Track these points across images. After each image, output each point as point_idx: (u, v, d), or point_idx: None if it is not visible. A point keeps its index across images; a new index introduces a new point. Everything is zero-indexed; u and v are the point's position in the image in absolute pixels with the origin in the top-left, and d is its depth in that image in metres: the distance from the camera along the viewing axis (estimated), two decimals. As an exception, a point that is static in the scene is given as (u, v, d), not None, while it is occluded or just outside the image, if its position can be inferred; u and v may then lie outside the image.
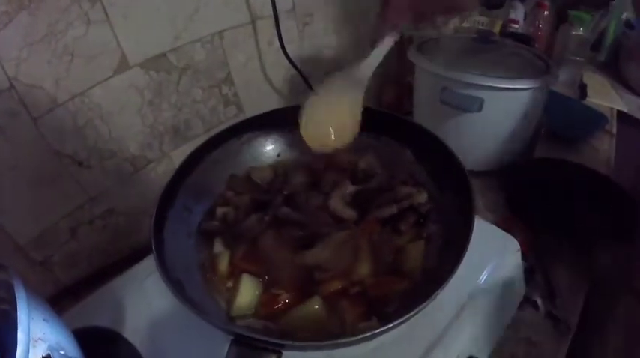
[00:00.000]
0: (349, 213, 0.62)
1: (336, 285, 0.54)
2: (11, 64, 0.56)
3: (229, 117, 0.90)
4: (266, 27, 0.86)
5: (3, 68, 0.56)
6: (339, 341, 0.44)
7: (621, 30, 1.53)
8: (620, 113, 1.34)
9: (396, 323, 0.43)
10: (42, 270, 0.70)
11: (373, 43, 0.62)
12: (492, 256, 0.63)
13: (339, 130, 0.58)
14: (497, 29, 1.45)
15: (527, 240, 0.76)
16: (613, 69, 1.55)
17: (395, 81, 1.18)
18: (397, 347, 0.54)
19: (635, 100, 1.42)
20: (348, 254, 0.56)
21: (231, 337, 0.44)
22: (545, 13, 1.45)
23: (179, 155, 0.82)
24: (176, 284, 0.49)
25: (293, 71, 0.92)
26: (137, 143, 0.76)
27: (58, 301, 0.71)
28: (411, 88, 1.03)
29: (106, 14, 0.64)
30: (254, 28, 0.86)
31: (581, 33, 1.39)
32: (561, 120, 1.10)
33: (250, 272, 0.56)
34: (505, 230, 0.69)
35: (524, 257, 0.69)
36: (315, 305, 0.52)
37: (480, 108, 0.84)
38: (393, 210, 0.61)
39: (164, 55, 0.74)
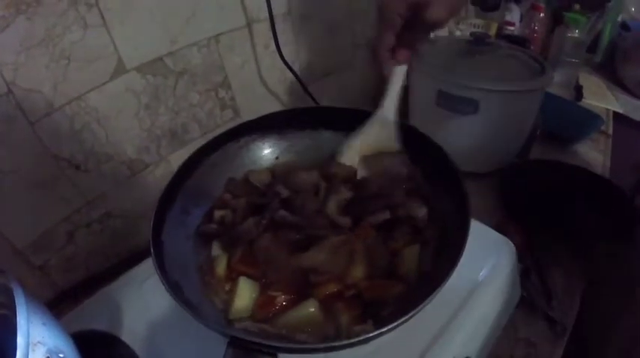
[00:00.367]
0: (343, 221, 0.62)
1: (332, 288, 0.54)
2: (8, 68, 0.56)
3: (226, 121, 0.90)
4: (262, 30, 0.87)
5: (0, 73, 0.56)
6: (334, 344, 0.44)
7: (617, 32, 1.54)
8: (616, 114, 1.35)
9: (391, 326, 0.43)
10: (40, 274, 0.70)
11: (384, 79, 0.66)
12: (489, 258, 0.64)
13: None
14: (493, 31, 1.46)
15: (523, 241, 0.76)
16: (609, 70, 1.56)
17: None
18: (394, 348, 0.54)
19: (630, 101, 1.43)
20: (343, 257, 0.57)
21: (228, 339, 0.44)
22: (541, 15, 1.46)
23: (176, 159, 0.82)
24: (174, 287, 0.49)
25: (289, 74, 0.92)
26: (134, 147, 0.77)
27: (56, 305, 0.71)
28: (405, 90, 1.03)
29: (103, 18, 0.64)
30: (250, 32, 0.86)
31: (576, 35, 1.40)
32: (557, 122, 1.11)
33: (248, 275, 0.56)
34: (501, 232, 0.70)
35: (520, 258, 0.69)
36: (311, 307, 0.52)
37: (475, 111, 0.84)
38: (386, 215, 0.61)
39: (161, 59, 0.74)
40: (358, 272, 0.56)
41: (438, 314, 0.57)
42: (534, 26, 1.47)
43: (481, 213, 0.73)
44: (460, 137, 0.90)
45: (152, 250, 0.52)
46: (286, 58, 0.89)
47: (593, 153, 1.13)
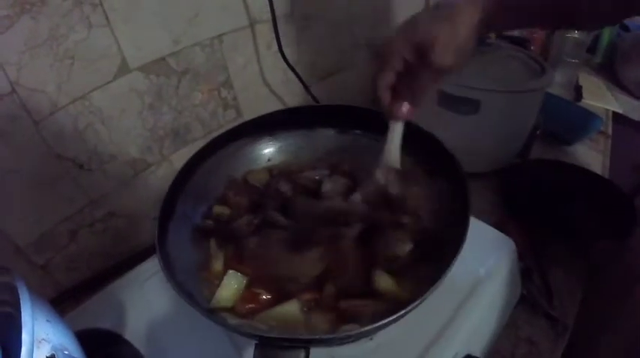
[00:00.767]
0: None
1: (308, 297, 0.54)
2: (12, 68, 0.57)
3: (228, 121, 0.90)
4: (265, 31, 0.87)
5: (5, 72, 0.56)
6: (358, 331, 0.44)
7: (616, 32, 1.55)
8: (615, 114, 1.36)
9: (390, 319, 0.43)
10: (43, 274, 0.70)
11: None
12: (489, 256, 0.64)
13: None
14: (493, 32, 1.46)
15: (524, 240, 0.77)
16: (608, 71, 1.56)
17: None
18: (396, 345, 0.54)
19: (630, 102, 1.44)
20: (317, 269, 0.57)
21: (256, 340, 0.44)
22: (541, 15, 1.46)
23: (179, 158, 0.82)
24: (186, 293, 0.48)
25: (291, 74, 0.93)
26: (137, 146, 0.77)
27: (59, 304, 0.71)
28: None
29: (107, 18, 0.64)
30: (253, 32, 0.86)
31: (576, 35, 1.40)
32: (557, 122, 1.11)
33: (239, 271, 0.57)
34: (502, 231, 0.70)
35: (521, 257, 0.70)
36: (293, 307, 0.53)
37: (476, 111, 0.85)
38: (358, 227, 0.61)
39: (164, 59, 0.74)
40: (330, 288, 0.55)
41: (439, 312, 0.57)
42: (534, 27, 1.47)
43: (482, 213, 0.74)
44: (461, 137, 0.90)
45: (158, 251, 0.52)
46: (288, 59, 0.90)
47: (593, 153, 1.14)
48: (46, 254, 0.70)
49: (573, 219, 0.82)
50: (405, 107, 0.58)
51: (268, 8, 0.81)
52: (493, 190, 0.95)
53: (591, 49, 1.59)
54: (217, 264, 0.59)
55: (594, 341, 0.84)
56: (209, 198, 0.68)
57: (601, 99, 1.40)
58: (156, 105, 0.76)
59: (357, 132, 0.74)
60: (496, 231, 0.70)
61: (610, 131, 1.26)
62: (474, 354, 0.56)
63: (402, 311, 0.44)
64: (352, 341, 0.52)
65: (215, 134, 0.71)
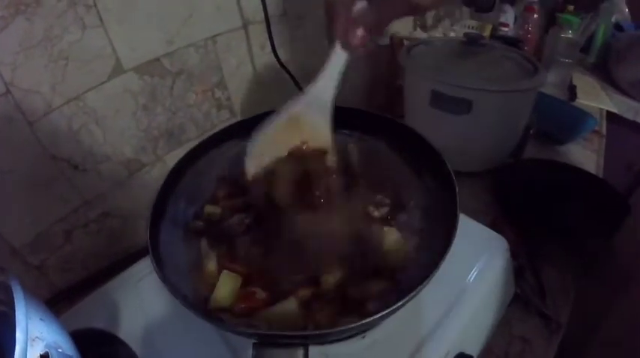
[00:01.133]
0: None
1: (305, 293, 0.54)
2: (7, 68, 0.57)
3: (222, 121, 0.90)
4: (258, 31, 0.87)
5: (-1, 73, 0.56)
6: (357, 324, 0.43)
7: (611, 32, 1.56)
8: (609, 114, 1.37)
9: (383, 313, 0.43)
10: (37, 274, 0.70)
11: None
12: (482, 255, 0.65)
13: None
14: (487, 32, 1.47)
15: (517, 239, 0.77)
16: (602, 71, 1.57)
17: (385, 83, 1.20)
18: (388, 343, 0.55)
19: (624, 101, 1.45)
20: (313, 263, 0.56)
21: (254, 340, 0.44)
22: (535, 16, 1.47)
23: (173, 159, 0.81)
24: (182, 295, 0.48)
25: (285, 75, 0.93)
26: (131, 147, 0.77)
27: (54, 304, 0.71)
28: (401, 91, 1.04)
29: (101, 19, 0.64)
30: (246, 33, 0.87)
31: (570, 35, 1.41)
32: (551, 122, 1.12)
33: (232, 271, 0.56)
34: (495, 230, 0.70)
35: (514, 256, 0.70)
36: (291, 305, 0.52)
37: (468, 111, 0.85)
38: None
39: (158, 59, 0.74)
40: (330, 279, 0.55)
41: (432, 309, 0.57)
42: (528, 27, 1.48)
43: (475, 212, 0.74)
44: (454, 137, 0.91)
45: (150, 252, 0.51)
46: (282, 59, 0.90)
47: (587, 153, 1.14)
48: (41, 254, 0.70)
49: (567, 218, 0.83)
50: (360, 33, 0.48)
51: (261, 9, 0.81)
52: (486, 190, 0.96)
53: (585, 48, 1.60)
54: (210, 264, 0.58)
55: (588, 339, 0.85)
56: (200, 198, 0.68)
57: (595, 98, 1.41)
58: (150, 105, 0.77)
59: (345, 131, 0.74)
60: (489, 230, 0.70)
61: (604, 130, 1.27)
62: (467, 352, 0.57)
63: (399, 303, 0.43)
64: (351, 336, 0.52)
65: (209, 134, 0.71)
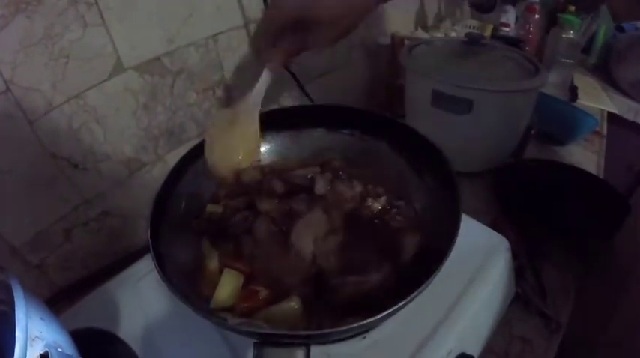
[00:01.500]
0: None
1: (307, 290, 0.54)
2: (7, 66, 0.56)
3: (223, 120, 0.90)
4: (259, 30, 0.87)
5: (-1, 71, 0.56)
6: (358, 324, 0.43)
7: (611, 33, 1.56)
8: (610, 115, 1.37)
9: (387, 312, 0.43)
10: (37, 273, 0.70)
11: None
12: (483, 255, 0.65)
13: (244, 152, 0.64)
14: (488, 32, 1.47)
15: (517, 239, 0.77)
16: (603, 71, 1.58)
17: (386, 83, 1.20)
18: (389, 343, 0.55)
19: (625, 102, 1.45)
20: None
21: (256, 339, 0.44)
22: (536, 16, 1.47)
23: (174, 158, 0.81)
24: (183, 295, 0.48)
25: (286, 74, 0.93)
26: (132, 146, 0.77)
27: (54, 304, 0.70)
28: (401, 90, 1.04)
29: (102, 18, 0.64)
30: (248, 32, 0.86)
31: (571, 36, 1.41)
32: (552, 122, 1.12)
33: (235, 269, 0.56)
34: (496, 230, 0.70)
35: (515, 256, 0.70)
36: (294, 303, 0.52)
37: (468, 111, 0.85)
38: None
39: (158, 58, 0.74)
40: (331, 278, 0.55)
41: (433, 309, 0.57)
42: (529, 27, 1.48)
43: (476, 212, 0.74)
44: (455, 136, 0.91)
45: (152, 254, 0.51)
46: (282, 58, 0.90)
47: (588, 153, 1.14)
48: (41, 253, 0.70)
49: (567, 218, 0.83)
50: (279, 59, 0.59)
51: (263, 7, 0.81)
52: (487, 189, 0.96)
53: (586, 49, 1.60)
54: (212, 264, 0.58)
55: (588, 339, 0.85)
56: (201, 197, 0.68)
57: (596, 99, 1.41)
58: (150, 104, 0.76)
59: (346, 131, 0.74)
60: (490, 229, 0.70)
61: (605, 131, 1.27)
62: (467, 352, 0.57)
63: (400, 303, 0.43)
64: (352, 336, 0.52)
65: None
